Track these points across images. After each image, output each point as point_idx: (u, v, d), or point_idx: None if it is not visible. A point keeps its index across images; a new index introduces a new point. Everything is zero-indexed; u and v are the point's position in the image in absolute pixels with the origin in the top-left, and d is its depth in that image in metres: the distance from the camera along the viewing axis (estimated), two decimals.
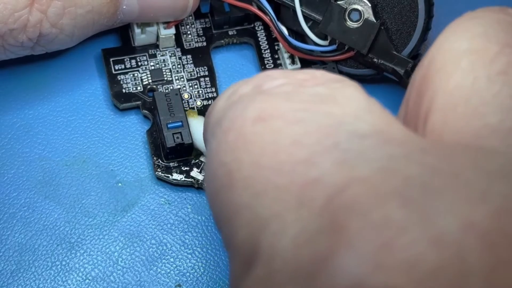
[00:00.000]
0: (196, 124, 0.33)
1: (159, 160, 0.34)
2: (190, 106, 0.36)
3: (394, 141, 0.20)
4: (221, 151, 0.22)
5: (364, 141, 0.20)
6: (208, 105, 0.36)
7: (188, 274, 0.32)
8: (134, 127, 0.35)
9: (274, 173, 0.21)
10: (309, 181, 0.20)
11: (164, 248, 0.33)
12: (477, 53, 0.22)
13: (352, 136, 0.20)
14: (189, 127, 0.33)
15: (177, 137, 0.34)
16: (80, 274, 0.32)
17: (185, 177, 0.34)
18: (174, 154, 0.34)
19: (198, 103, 0.36)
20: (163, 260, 0.32)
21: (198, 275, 0.32)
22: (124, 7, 0.34)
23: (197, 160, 0.34)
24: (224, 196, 0.22)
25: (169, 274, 0.32)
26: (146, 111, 0.35)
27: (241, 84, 0.24)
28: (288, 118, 0.21)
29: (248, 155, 0.21)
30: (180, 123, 0.34)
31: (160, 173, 0.34)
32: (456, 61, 0.22)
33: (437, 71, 0.23)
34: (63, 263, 0.32)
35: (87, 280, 0.32)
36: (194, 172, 0.34)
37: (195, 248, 0.33)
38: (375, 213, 0.18)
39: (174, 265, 0.32)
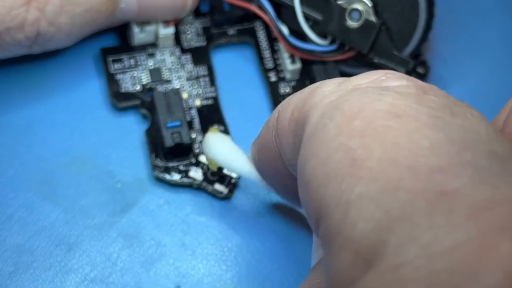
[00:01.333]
0: (219, 140, 0.33)
1: (157, 160, 0.34)
2: (190, 105, 0.35)
3: None
4: (344, 134, 0.21)
5: (503, 163, 0.20)
6: (208, 104, 0.35)
7: (187, 275, 0.32)
8: (133, 127, 0.35)
9: (410, 173, 0.20)
10: (447, 191, 0.19)
11: (163, 249, 0.32)
12: None
13: (490, 155, 0.20)
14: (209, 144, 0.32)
15: (176, 137, 0.33)
16: (79, 275, 0.32)
17: (183, 177, 0.34)
18: (172, 154, 0.34)
19: (197, 102, 0.36)
20: (162, 261, 0.32)
21: (198, 276, 0.32)
22: (123, 5, 0.34)
23: (195, 160, 0.34)
24: (344, 182, 0.21)
25: (168, 275, 0.32)
26: (145, 111, 0.35)
27: (351, 79, 0.23)
28: (424, 120, 0.21)
29: (380, 147, 0.20)
30: (179, 123, 0.34)
31: (158, 173, 0.34)
32: None
33: None
34: (62, 264, 0.32)
35: (86, 281, 0.32)
36: (193, 172, 0.34)
37: (194, 249, 0.33)
38: None
39: (174, 266, 0.32)
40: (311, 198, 0.22)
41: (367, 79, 0.23)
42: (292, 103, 0.25)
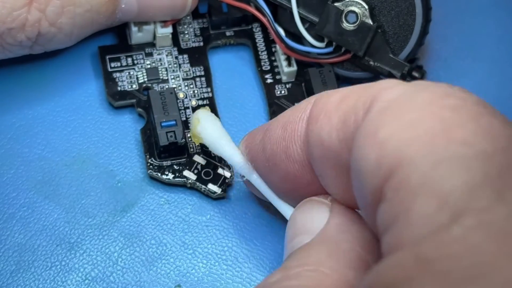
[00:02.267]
0: (209, 118, 0.32)
1: (152, 158, 0.34)
2: (185, 105, 0.36)
3: None
4: (436, 106, 0.23)
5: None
6: (204, 104, 0.36)
7: (188, 274, 0.32)
8: (132, 125, 0.35)
9: (502, 150, 0.22)
10: None
11: (164, 248, 0.33)
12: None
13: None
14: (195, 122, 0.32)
15: (171, 136, 0.34)
16: (80, 274, 0.32)
17: (177, 176, 0.34)
18: (167, 153, 0.34)
19: (193, 102, 0.36)
20: (163, 260, 0.33)
21: (198, 276, 0.32)
22: (123, 6, 0.34)
23: (189, 160, 0.34)
24: (434, 141, 0.22)
25: (169, 274, 0.32)
26: (141, 110, 0.35)
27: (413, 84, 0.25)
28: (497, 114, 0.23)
29: (474, 121, 0.22)
30: (174, 122, 0.34)
31: (152, 172, 0.34)
32: None
33: None
34: (63, 263, 0.32)
35: (87, 281, 0.32)
36: (187, 172, 0.34)
37: (195, 248, 0.33)
38: None
39: (174, 265, 0.33)
40: (381, 158, 0.23)
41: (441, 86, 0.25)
42: (340, 91, 0.26)
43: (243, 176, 0.31)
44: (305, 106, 0.27)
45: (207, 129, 0.32)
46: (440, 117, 0.22)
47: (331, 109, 0.26)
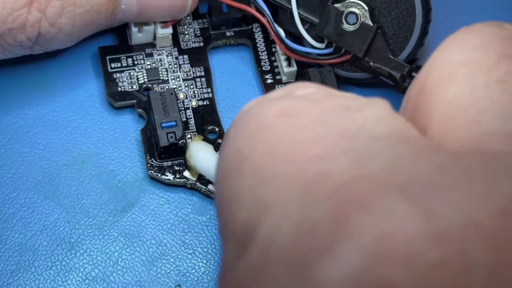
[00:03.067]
0: (200, 148, 0.33)
1: (152, 159, 0.34)
2: (186, 106, 0.36)
3: (406, 141, 0.21)
4: (238, 137, 0.23)
5: (378, 142, 0.21)
6: (204, 105, 0.36)
7: (188, 274, 0.32)
8: (132, 126, 0.35)
9: (286, 163, 0.21)
10: (318, 175, 0.20)
11: (164, 248, 0.33)
12: (474, 64, 0.23)
13: (369, 138, 0.21)
14: (192, 152, 0.33)
15: (171, 137, 0.34)
16: (80, 274, 0.32)
17: (177, 177, 0.34)
18: (167, 154, 0.34)
19: (193, 103, 0.36)
20: (163, 260, 0.33)
21: (198, 275, 0.32)
22: (123, 6, 0.34)
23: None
24: (232, 179, 0.22)
25: (169, 274, 0.32)
26: (141, 110, 0.35)
27: (274, 91, 0.25)
28: (311, 118, 0.22)
29: (264, 143, 0.22)
30: (174, 123, 0.34)
31: (153, 172, 0.34)
32: (453, 73, 0.23)
33: (433, 84, 0.23)
34: (63, 263, 0.32)
35: (87, 280, 0.32)
36: (187, 172, 0.34)
37: (195, 248, 0.33)
38: (378, 205, 0.19)
39: (174, 265, 0.33)
40: (215, 197, 0.24)
41: (282, 91, 0.24)
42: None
43: None
44: None
45: (199, 162, 0.33)
46: (237, 149, 0.23)
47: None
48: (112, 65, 0.36)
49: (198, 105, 0.36)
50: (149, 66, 0.36)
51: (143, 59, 0.36)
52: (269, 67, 0.37)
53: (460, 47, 0.23)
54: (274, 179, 0.21)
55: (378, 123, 0.21)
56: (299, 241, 0.19)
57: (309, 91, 0.23)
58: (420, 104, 0.23)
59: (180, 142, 0.34)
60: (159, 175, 0.34)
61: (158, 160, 0.34)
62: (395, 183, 0.19)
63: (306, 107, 0.22)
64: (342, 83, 0.37)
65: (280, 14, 0.36)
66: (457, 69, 0.23)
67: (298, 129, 0.22)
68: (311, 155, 0.21)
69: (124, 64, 0.36)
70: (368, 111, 0.22)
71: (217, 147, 0.35)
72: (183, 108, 0.36)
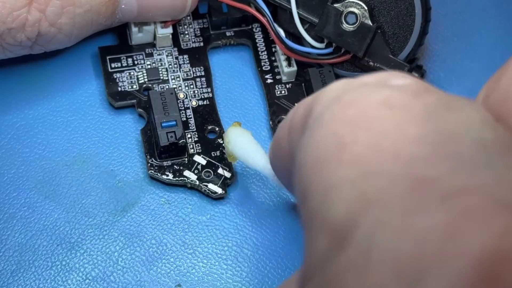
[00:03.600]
0: (239, 133, 0.33)
1: (152, 159, 0.34)
2: (186, 105, 0.36)
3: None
4: (336, 122, 0.22)
5: (487, 149, 0.20)
6: (204, 105, 0.36)
7: (188, 274, 0.33)
8: (132, 126, 0.35)
9: (392, 159, 0.20)
10: (426, 178, 0.19)
11: (164, 248, 0.33)
12: None
13: (476, 144, 0.20)
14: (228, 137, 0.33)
15: (171, 136, 0.34)
16: (80, 274, 0.32)
17: (178, 176, 0.34)
18: (167, 153, 0.34)
19: (193, 103, 0.36)
20: (163, 260, 0.33)
21: (198, 275, 0.32)
22: (123, 6, 0.34)
23: (190, 160, 0.34)
24: (328, 166, 0.21)
25: (169, 274, 0.32)
26: (141, 110, 0.36)
27: (361, 77, 0.24)
28: (416, 113, 0.21)
29: (367, 133, 0.21)
30: (174, 123, 0.34)
31: (153, 172, 0.34)
32: None
33: None
34: (63, 263, 0.32)
35: (87, 280, 0.32)
36: (187, 172, 0.34)
37: (195, 248, 0.33)
38: (495, 221, 0.18)
39: (174, 265, 0.33)
40: (300, 182, 0.22)
41: (374, 77, 0.23)
42: (305, 101, 0.25)
43: (275, 187, 0.32)
44: (287, 122, 0.27)
45: (237, 148, 0.32)
46: (336, 135, 0.22)
47: (297, 124, 0.25)
48: (112, 65, 0.36)
49: (198, 105, 0.36)
50: (149, 66, 0.36)
51: (143, 59, 0.36)
52: (269, 67, 0.37)
53: None
54: (378, 174, 0.20)
55: (482, 127, 0.21)
56: (405, 247, 0.18)
57: (406, 82, 0.22)
58: (504, 113, 0.22)
59: (180, 142, 0.34)
60: (159, 175, 0.34)
61: (158, 160, 0.34)
62: (508, 198, 0.18)
63: (409, 101, 0.21)
64: None
65: (280, 14, 0.36)
66: None
67: (404, 124, 0.21)
68: (419, 155, 0.20)
69: (124, 64, 0.36)
70: (471, 113, 0.21)
71: (216, 147, 0.35)
72: (183, 108, 0.36)
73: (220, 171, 0.34)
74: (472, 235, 0.18)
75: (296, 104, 0.35)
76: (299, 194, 0.23)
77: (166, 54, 0.37)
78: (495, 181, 0.19)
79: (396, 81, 0.23)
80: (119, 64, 0.36)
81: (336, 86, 0.24)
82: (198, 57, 0.37)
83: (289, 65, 0.36)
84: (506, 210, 0.18)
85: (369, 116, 0.21)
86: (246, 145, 0.32)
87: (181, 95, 0.36)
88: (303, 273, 0.21)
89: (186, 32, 0.37)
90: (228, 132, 0.33)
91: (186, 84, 0.36)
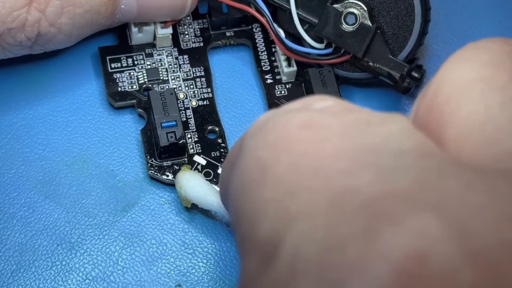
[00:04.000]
0: (189, 178, 0.33)
1: (152, 159, 0.34)
2: (186, 106, 0.36)
3: (431, 156, 0.21)
4: (259, 148, 0.22)
5: (403, 157, 0.20)
6: (204, 105, 0.36)
7: (188, 274, 0.33)
8: (132, 126, 0.36)
9: (311, 176, 0.21)
10: (344, 189, 0.20)
11: (164, 248, 0.33)
12: (486, 81, 0.22)
13: (393, 153, 0.21)
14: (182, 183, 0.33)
15: (171, 136, 0.34)
16: (80, 274, 0.32)
17: None
18: (167, 153, 0.34)
19: (193, 103, 0.36)
20: (163, 260, 0.33)
21: (198, 275, 0.33)
22: (123, 6, 0.34)
23: (190, 160, 0.34)
24: (253, 190, 0.22)
25: (169, 274, 0.32)
26: (141, 110, 0.36)
27: (287, 104, 0.24)
28: (334, 131, 0.22)
29: (287, 155, 0.21)
30: (174, 123, 0.34)
31: (153, 172, 0.34)
32: (465, 90, 0.23)
33: (444, 101, 0.23)
34: (63, 263, 0.32)
35: (87, 280, 0.32)
36: None
37: (195, 248, 0.33)
38: (409, 222, 0.18)
39: (174, 265, 0.33)
40: (231, 210, 0.23)
41: (298, 103, 0.24)
42: (239, 138, 0.26)
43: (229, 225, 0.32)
44: (228, 157, 0.27)
45: (190, 191, 0.33)
46: (259, 160, 0.22)
47: (227, 162, 0.26)
48: (112, 65, 0.36)
49: (198, 105, 0.36)
50: (149, 66, 0.36)
51: (143, 59, 0.37)
52: (269, 67, 0.37)
53: (469, 64, 0.23)
54: (299, 191, 0.21)
55: (401, 137, 0.21)
56: (328, 256, 0.19)
57: (328, 104, 0.23)
58: (430, 122, 0.23)
59: (180, 142, 0.34)
60: (159, 175, 0.34)
61: (158, 160, 0.34)
62: (426, 200, 0.19)
63: (328, 120, 0.22)
64: (342, 83, 0.37)
65: (280, 14, 0.36)
66: (469, 87, 0.23)
67: (322, 142, 0.21)
68: (337, 169, 0.20)
69: (124, 64, 0.36)
70: (390, 125, 0.22)
71: (216, 147, 0.35)
72: (183, 108, 0.36)
73: (220, 171, 0.34)
74: (388, 237, 0.18)
75: None
76: (233, 222, 0.23)
77: (166, 54, 0.37)
78: (410, 184, 0.19)
79: (318, 104, 0.23)
80: (119, 64, 0.36)
81: (263, 117, 0.24)
82: (198, 57, 0.37)
83: (289, 65, 0.36)
84: (420, 210, 0.19)
85: (289, 138, 0.22)
86: (198, 187, 0.33)
87: (181, 95, 0.36)
88: None
89: (186, 32, 0.37)
90: (178, 177, 0.33)
91: (186, 84, 0.36)
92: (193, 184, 0.33)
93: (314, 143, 0.21)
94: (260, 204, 0.21)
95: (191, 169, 0.34)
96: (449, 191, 0.19)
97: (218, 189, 0.32)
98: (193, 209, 0.33)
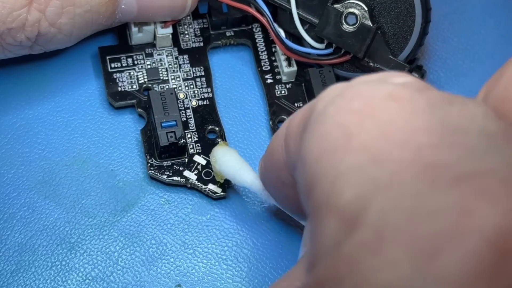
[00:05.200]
0: (225, 153, 0.33)
1: (152, 159, 0.34)
2: (186, 106, 0.36)
3: None
4: (342, 114, 0.22)
5: (492, 138, 0.20)
6: (204, 105, 0.36)
7: (188, 274, 0.33)
8: (132, 126, 0.36)
9: (400, 146, 0.20)
10: (435, 163, 0.20)
11: (164, 248, 0.33)
12: None
13: (482, 134, 0.21)
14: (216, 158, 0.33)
15: (171, 136, 0.34)
16: (80, 274, 0.32)
17: (177, 177, 0.34)
18: (167, 153, 0.34)
19: (193, 103, 0.36)
20: (163, 260, 0.33)
21: (198, 275, 0.33)
22: (123, 6, 0.34)
23: (190, 160, 0.34)
24: (335, 155, 0.21)
25: (169, 274, 0.32)
26: (141, 110, 0.36)
27: (362, 76, 0.24)
28: (420, 105, 0.21)
29: (374, 123, 0.21)
30: (174, 123, 0.34)
31: (153, 172, 0.34)
32: None
33: None
34: (63, 263, 0.32)
35: (87, 280, 0.32)
36: (187, 172, 0.34)
37: (195, 248, 0.33)
38: (508, 201, 0.18)
39: (174, 265, 0.33)
40: (305, 175, 0.23)
41: (375, 76, 0.24)
42: (301, 110, 0.26)
43: (267, 202, 0.32)
44: (282, 132, 0.27)
45: (225, 166, 0.33)
46: (343, 125, 0.22)
47: (294, 129, 0.26)
48: (112, 65, 0.36)
49: (198, 105, 0.36)
50: (149, 66, 0.36)
51: (143, 59, 0.37)
52: (269, 67, 0.37)
53: None
54: (387, 160, 0.20)
55: (486, 120, 0.21)
56: (419, 225, 0.19)
57: (408, 80, 0.23)
58: (505, 112, 0.23)
59: (180, 142, 0.34)
60: (159, 175, 0.34)
61: (158, 160, 0.34)
62: None
63: (412, 95, 0.22)
64: None
65: (280, 14, 0.36)
66: None
67: (410, 115, 0.21)
68: (426, 143, 0.20)
69: (124, 64, 0.36)
70: (473, 107, 0.22)
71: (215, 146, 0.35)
72: (183, 108, 0.36)
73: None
74: (484, 213, 0.18)
75: (291, 114, 0.35)
76: (304, 188, 0.23)
77: (166, 54, 0.37)
78: (504, 165, 0.19)
79: (397, 79, 0.23)
80: (119, 64, 0.36)
81: (338, 85, 0.24)
82: (198, 57, 0.37)
83: (289, 65, 0.36)
84: None
85: (375, 107, 0.22)
86: (232, 162, 0.33)
87: (181, 95, 0.36)
88: (310, 260, 0.22)
89: (186, 32, 0.37)
90: (214, 151, 0.33)
91: (186, 84, 0.36)
92: (229, 159, 0.33)
93: (402, 115, 0.21)
94: (344, 169, 0.21)
95: (227, 145, 0.34)
96: None
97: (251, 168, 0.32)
98: (226, 184, 0.33)
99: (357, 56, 0.35)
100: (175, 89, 0.36)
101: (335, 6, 0.35)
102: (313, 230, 0.22)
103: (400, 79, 0.23)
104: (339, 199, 0.21)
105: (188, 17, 0.37)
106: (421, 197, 0.19)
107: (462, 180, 0.19)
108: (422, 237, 0.19)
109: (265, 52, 0.37)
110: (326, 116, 0.23)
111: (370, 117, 0.22)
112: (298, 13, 0.36)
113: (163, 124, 0.34)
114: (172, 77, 0.36)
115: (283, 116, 0.36)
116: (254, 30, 0.38)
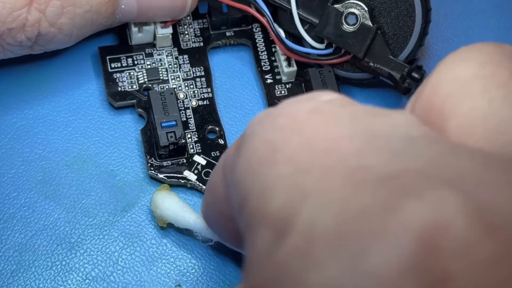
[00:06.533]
0: (164, 197, 0.33)
1: (152, 159, 0.34)
2: (186, 105, 0.36)
3: (441, 142, 0.21)
4: (268, 131, 0.23)
5: (415, 142, 0.21)
6: (204, 105, 0.36)
7: (188, 274, 0.33)
8: (132, 126, 0.36)
9: (325, 154, 0.21)
10: (360, 166, 0.20)
11: (164, 248, 0.33)
12: (487, 78, 0.23)
13: (404, 138, 0.21)
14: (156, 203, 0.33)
15: (171, 136, 0.34)
16: (80, 274, 0.32)
17: (177, 176, 0.34)
18: (167, 153, 0.34)
19: (193, 103, 0.36)
20: (163, 260, 0.33)
21: (198, 275, 0.33)
22: (123, 6, 0.34)
23: (190, 160, 0.34)
24: (263, 169, 0.22)
25: (169, 274, 0.32)
26: (141, 110, 0.36)
27: (297, 96, 0.25)
28: (343, 118, 0.22)
29: (298, 135, 0.22)
30: (174, 123, 0.34)
31: (153, 172, 0.34)
32: (467, 86, 0.23)
33: (445, 98, 0.23)
34: (63, 263, 0.32)
35: (87, 280, 0.32)
36: (187, 172, 0.34)
37: (195, 248, 0.33)
38: (430, 196, 0.19)
39: (174, 265, 0.33)
40: (238, 194, 0.23)
41: (304, 95, 0.24)
42: (234, 142, 0.26)
43: (211, 240, 0.32)
44: (220, 165, 0.27)
45: (166, 210, 0.33)
46: (268, 142, 0.23)
47: (231, 160, 0.26)
48: (112, 65, 0.36)
49: (198, 105, 0.36)
50: (149, 66, 0.36)
51: (143, 59, 0.37)
52: (269, 67, 0.37)
53: (468, 63, 0.23)
54: (312, 168, 0.21)
55: (408, 126, 0.22)
56: (346, 226, 0.19)
57: (334, 97, 0.23)
58: (431, 118, 0.23)
59: (180, 142, 0.34)
60: (159, 175, 0.34)
61: (158, 160, 0.34)
62: (444, 177, 0.19)
63: (336, 109, 0.22)
64: (342, 83, 0.37)
65: (280, 14, 0.36)
66: (470, 83, 0.23)
67: (333, 126, 0.22)
68: (350, 149, 0.21)
69: (124, 64, 0.36)
70: (396, 117, 0.22)
71: (216, 147, 0.35)
72: (183, 108, 0.36)
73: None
74: (409, 209, 0.19)
75: None
76: (237, 204, 0.23)
77: (166, 54, 0.37)
78: (426, 163, 0.20)
79: (323, 97, 0.24)
80: (119, 64, 0.36)
81: (267, 109, 0.25)
82: (198, 57, 0.37)
83: (289, 65, 0.36)
84: (439, 185, 0.19)
85: (299, 122, 0.22)
86: (173, 206, 0.33)
87: (181, 95, 0.36)
88: (245, 273, 0.22)
89: (186, 32, 0.37)
90: (153, 197, 0.33)
91: (186, 84, 0.36)
92: (169, 202, 0.33)
93: (325, 126, 0.22)
94: (272, 181, 0.21)
95: (169, 189, 0.34)
96: (465, 171, 0.19)
97: (191, 209, 0.32)
98: (169, 228, 0.33)
99: (357, 56, 0.35)
100: (175, 89, 0.36)
101: (335, 6, 0.35)
102: (247, 246, 0.22)
103: (326, 96, 0.24)
104: (268, 208, 0.21)
105: (188, 17, 0.37)
106: (348, 199, 0.20)
107: (386, 180, 0.20)
108: (350, 237, 0.19)
109: (265, 52, 0.37)
110: (254, 135, 0.23)
111: (295, 131, 0.22)
112: (298, 13, 0.36)
113: (163, 124, 0.34)
114: (172, 77, 0.36)
115: None
116: (254, 30, 0.38)
